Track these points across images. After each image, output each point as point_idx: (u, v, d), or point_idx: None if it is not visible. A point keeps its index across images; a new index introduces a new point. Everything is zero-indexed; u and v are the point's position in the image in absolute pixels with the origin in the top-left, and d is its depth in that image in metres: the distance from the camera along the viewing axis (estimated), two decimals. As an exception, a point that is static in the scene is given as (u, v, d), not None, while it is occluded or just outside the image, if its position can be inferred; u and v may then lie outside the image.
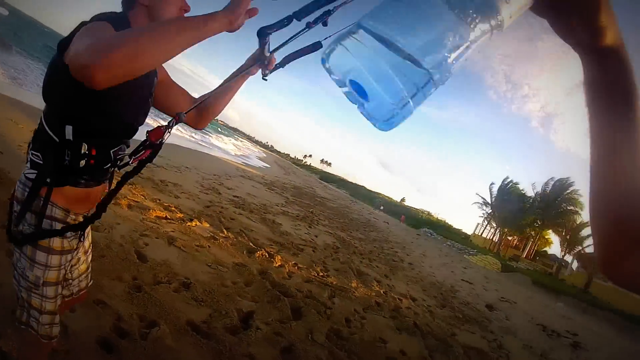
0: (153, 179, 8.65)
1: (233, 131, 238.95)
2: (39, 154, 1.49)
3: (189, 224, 6.47)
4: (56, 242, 1.56)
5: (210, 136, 55.68)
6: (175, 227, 6.07)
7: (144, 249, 4.65)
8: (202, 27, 1.17)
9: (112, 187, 1.68)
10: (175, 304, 3.72)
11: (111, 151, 1.59)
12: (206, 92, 1.85)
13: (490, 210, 58.94)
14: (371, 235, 19.82)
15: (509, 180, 57.47)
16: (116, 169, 1.68)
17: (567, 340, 10.57)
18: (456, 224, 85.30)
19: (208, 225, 7.05)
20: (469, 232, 68.31)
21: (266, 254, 6.83)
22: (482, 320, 9.25)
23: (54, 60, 1.41)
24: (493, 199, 58.25)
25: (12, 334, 2.17)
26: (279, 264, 6.71)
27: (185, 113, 1.55)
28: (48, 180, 1.48)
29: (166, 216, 6.36)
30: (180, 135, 26.60)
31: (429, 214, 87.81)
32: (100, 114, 1.46)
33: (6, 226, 1.62)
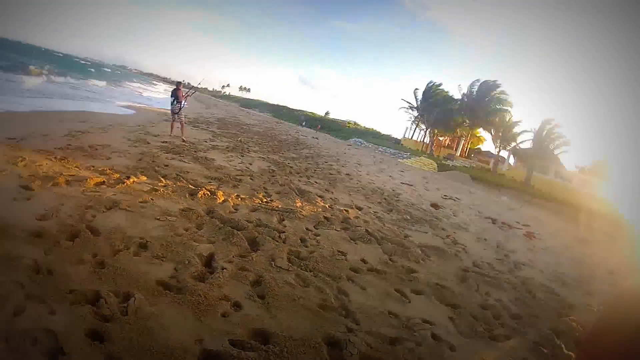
0: (82, 146, 8.31)
1: (149, 77, 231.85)
2: (176, 105, 14.06)
3: (127, 182, 6.32)
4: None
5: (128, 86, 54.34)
6: (116, 189, 5.93)
7: (93, 221, 4.54)
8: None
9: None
10: (140, 268, 3.73)
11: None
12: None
13: (417, 114, 60.00)
14: (303, 152, 20.22)
15: (432, 83, 58.27)
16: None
17: (519, 230, 11.19)
18: (384, 131, 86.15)
19: (145, 178, 6.95)
20: (399, 137, 69.53)
21: (208, 193, 6.92)
22: (431, 219, 9.79)
23: (175, 91, 14.38)
24: (419, 103, 59.16)
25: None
26: (222, 199, 6.83)
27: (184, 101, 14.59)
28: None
29: (104, 181, 6.18)
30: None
31: (355, 123, 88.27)
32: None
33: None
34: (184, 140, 13.16)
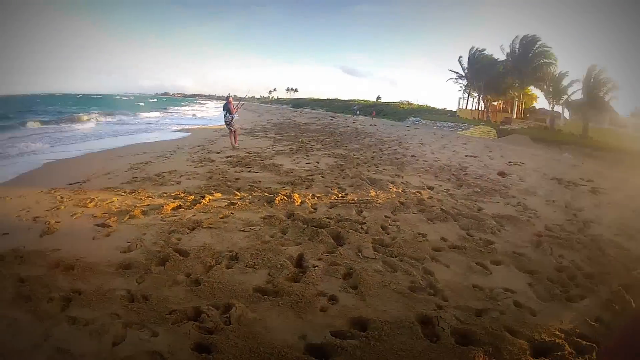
0: (149, 176, 8.70)
1: (194, 97, 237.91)
2: (229, 117, 15.08)
3: (203, 202, 6.58)
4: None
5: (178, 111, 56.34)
6: (194, 210, 6.18)
7: (179, 244, 4.77)
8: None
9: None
10: (235, 279, 3.91)
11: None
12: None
13: (467, 82, 58.44)
14: (365, 142, 20.11)
15: (474, 49, 56.62)
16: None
17: (584, 187, 10.79)
18: (438, 105, 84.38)
19: (220, 194, 7.20)
20: (453, 109, 67.77)
21: (284, 197, 7.05)
22: (500, 188, 9.59)
23: (226, 104, 15.25)
24: (465, 71, 57.60)
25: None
26: (300, 201, 6.94)
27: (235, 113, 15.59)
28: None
29: (180, 205, 6.45)
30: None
31: (409, 103, 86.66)
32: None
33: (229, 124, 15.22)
34: (237, 147, 14.98)
